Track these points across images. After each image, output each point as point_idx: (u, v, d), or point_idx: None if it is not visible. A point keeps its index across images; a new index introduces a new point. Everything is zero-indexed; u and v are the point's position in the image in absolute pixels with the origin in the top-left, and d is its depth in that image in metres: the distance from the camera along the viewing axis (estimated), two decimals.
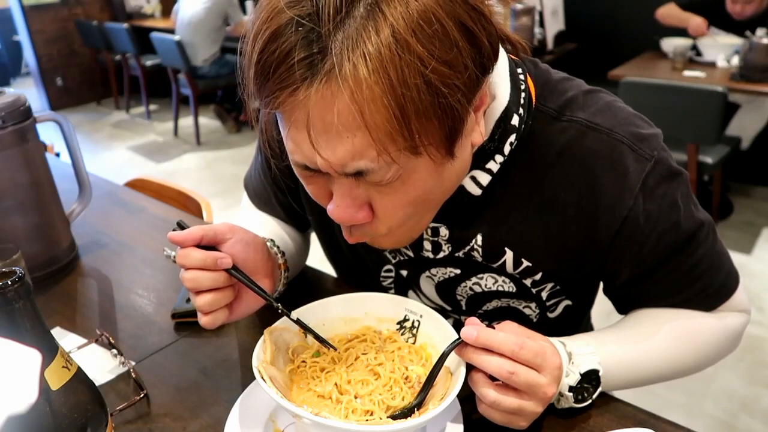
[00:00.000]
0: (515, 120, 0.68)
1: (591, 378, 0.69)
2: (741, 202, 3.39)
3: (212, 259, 0.67)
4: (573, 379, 0.67)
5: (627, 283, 0.77)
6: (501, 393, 0.61)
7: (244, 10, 5.09)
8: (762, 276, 2.71)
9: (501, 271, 0.79)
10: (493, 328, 0.63)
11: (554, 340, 0.69)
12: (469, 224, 0.76)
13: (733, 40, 3.06)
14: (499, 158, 0.70)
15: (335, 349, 0.71)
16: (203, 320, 0.69)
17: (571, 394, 0.67)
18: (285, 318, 0.72)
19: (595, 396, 0.70)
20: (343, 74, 0.50)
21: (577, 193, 0.70)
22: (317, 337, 0.71)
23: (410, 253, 0.82)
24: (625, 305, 0.83)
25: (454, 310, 0.87)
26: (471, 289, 0.83)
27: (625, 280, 0.76)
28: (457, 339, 0.63)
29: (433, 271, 0.83)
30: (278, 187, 0.92)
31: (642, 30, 3.67)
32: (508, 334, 0.61)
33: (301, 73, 0.51)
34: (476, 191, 0.71)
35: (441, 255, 0.80)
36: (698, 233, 0.74)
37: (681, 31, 3.28)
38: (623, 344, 0.75)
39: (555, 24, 3.82)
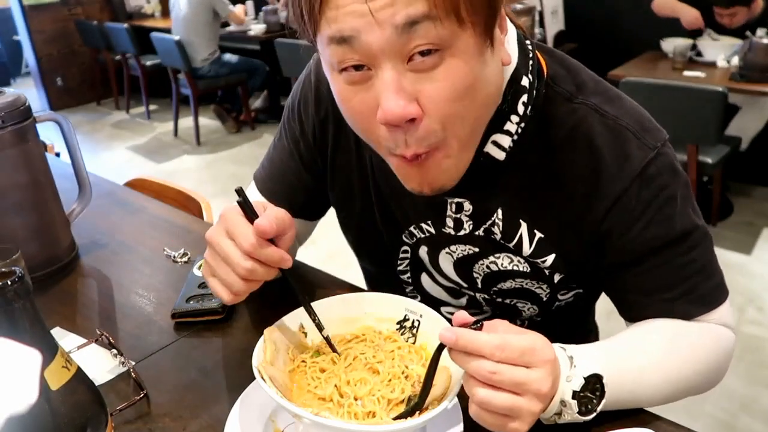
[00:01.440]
0: (525, 81, 0.72)
1: (595, 387, 0.64)
2: (741, 202, 3.39)
3: (278, 258, 0.69)
4: (576, 383, 0.62)
5: (612, 268, 0.78)
6: (492, 391, 0.57)
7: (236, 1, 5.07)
8: (762, 276, 2.71)
9: (517, 251, 0.81)
10: (480, 328, 0.59)
11: (555, 345, 0.66)
12: (490, 198, 0.79)
13: (734, 40, 3.06)
14: (515, 119, 0.73)
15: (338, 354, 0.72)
16: (228, 299, 0.71)
17: (575, 401, 0.62)
18: (285, 318, 0.72)
19: (599, 408, 0.65)
20: None
21: (581, 172, 0.74)
22: (331, 345, 0.72)
23: (432, 230, 0.85)
24: (613, 295, 0.82)
25: (470, 287, 0.89)
26: (488, 267, 0.85)
27: (611, 263, 0.77)
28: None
29: (453, 247, 0.85)
30: (304, 166, 0.93)
31: (642, 30, 3.67)
32: (492, 334, 0.58)
33: None
34: (500, 155, 0.74)
35: (462, 233, 0.83)
36: (692, 235, 0.74)
37: (681, 31, 3.28)
38: (622, 352, 0.72)
39: (555, 24, 3.82)
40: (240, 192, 0.69)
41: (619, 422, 0.69)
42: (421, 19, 0.57)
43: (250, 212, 0.69)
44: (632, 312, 0.80)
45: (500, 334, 0.59)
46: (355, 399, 0.66)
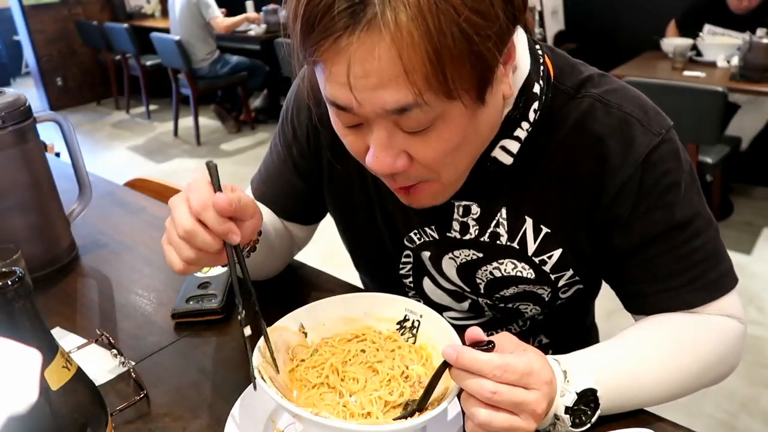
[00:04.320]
0: (536, 89, 0.72)
1: (589, 399, 0.65)
2: (741, 202, 3.39)
3: (225, 228, 0.64)
4: (569, 399, 0.63)
5: (618, 257, 0.77)
6: (492, 411, 0.58)
7: (244, 9, 5.07)
8: (762, 276, 2.71)
9: (522, 255, 0.81)
10: (491, 349, 0.59)
11: (549, 357, 0.66)
12: (496, 198, 0.79)
13: (733, 40, 3.07)
14: (525, 125, 0.73)
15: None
16: (178, 267, 0.68)
17: (568, 416, 0.63)
18: (285, 318, 0.73)
19: (594, 419, 0.66)
20: (385, 21, 0.53)
21: (587, 162, 0.74)
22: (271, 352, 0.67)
23: (435, 235, 0.85)
24: (619, 287, 0.81)
25: (473, 292, 0.89)
26: (491, 273, 0.85)
27: (616, 252, 0.77)
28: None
29: (456, 252, 0.85)
30: (297, 172, 0.92)
31: (642, 30, 3.66)
32: (492, 354, 0.59)
33: (344, 22, 0.54)
34: (508, 160, 0.75)
35: (467, 237, 0.83)
36: (695, 222, 0.74)
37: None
38: (619, 359, 0.72)
39: (555, 24, 3.82)
40: (214, 165, 0.66)
41: (619, 422, 0.69)
42: (411, 107, 0.58)
43: (216, 185, 0.66)
44: (638, 305, 0.79)
45: (500, 354, 0.59)
46: (350, 395, 0.66)
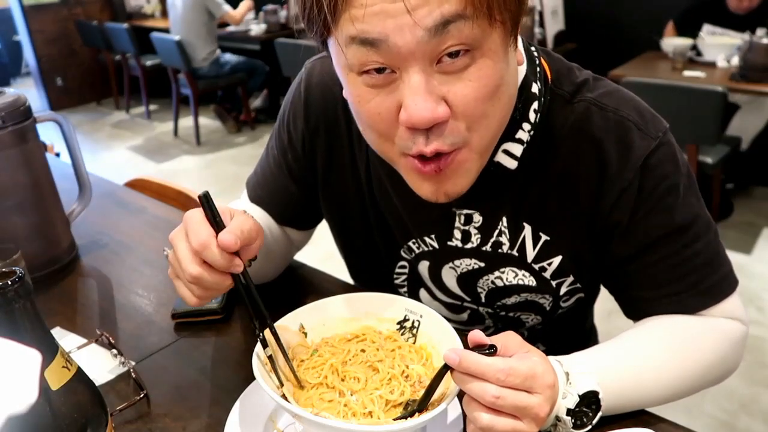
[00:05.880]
0: (535, 88, 0.72)
1: (590, 401, 0.64)
2: (741, 202, 3.39)
3: (228, 263, 0.64)
4: (571, 401, 0.63)
5: (618, 262, 0.77)
6: (495, 415, 0.58)
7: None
8: (762, 276, 2.71)
9: (522, 262, 0.80)
10: (494, 353, 0.59)
11: (552, 358, 0.66)
12: (497, 206, 0.78)
13: (733, 40, 3.07)
14: (526, 126, 0.73)
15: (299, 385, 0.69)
16: (193, 302, 0.68)
17: (569, 418, 0.63)
18: (285, 318, 0.73)
19: (595, 421, 0.65)
20: None
21: (586, 167, 0.73)
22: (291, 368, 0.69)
23: (435, 244, 0.84)
24: (620, 294, 0.81)
25: (473, 301, 0.89)
26: (492, 282, 0.84)
27: (616, 257, 0.76)
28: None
29: (457, 262, 0.84)
30: (292, 177, 0.92)
31: (642, 30, 3.67)
32: (495, 358, 0.58)
33: None
34: (512, 164, 0.74)
35: (469, 246, 0.82)
36: (694, 226, 0.74)
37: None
38: (620, 360, 0.72)
39: (555, 24, 3.82)
40: (206, 195, 0.65)
41: (620, 423, 0.69)
42: (455, 18, 0.55)
43: (212, 217, 0.65)
44: (640, 310, 0.79)
45: (503, 358, 0.59)
46: (351, 394, 0.66)
